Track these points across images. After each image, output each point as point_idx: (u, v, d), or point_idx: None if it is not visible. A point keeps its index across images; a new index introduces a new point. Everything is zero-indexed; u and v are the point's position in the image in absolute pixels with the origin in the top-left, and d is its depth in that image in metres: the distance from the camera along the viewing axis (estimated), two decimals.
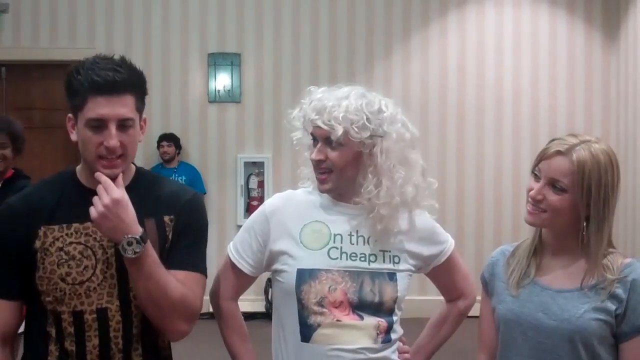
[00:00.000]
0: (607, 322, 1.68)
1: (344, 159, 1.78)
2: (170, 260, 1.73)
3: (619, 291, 1.68)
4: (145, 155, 6.47)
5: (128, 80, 1.67)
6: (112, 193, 1.63)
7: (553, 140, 1.75)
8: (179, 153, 6.59)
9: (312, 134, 1.81)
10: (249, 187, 6.72)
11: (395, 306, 1.81)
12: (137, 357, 1.73)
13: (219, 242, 6.68)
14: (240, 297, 1.94)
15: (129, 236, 1.63)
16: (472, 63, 6.76)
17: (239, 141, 6.75)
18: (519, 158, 6.67)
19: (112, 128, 1.66)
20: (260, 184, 6.69)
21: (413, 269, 1.88)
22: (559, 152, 1.69)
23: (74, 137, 1.72)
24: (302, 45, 6.73)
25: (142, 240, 1.64)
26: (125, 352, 1.72)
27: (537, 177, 1.73)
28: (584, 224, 1.71)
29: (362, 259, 1.79)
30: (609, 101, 6.71)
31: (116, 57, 1.71)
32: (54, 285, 1.69)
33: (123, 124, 1.67)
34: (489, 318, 1.86)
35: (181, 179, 6.31)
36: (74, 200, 1.74)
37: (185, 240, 1.77)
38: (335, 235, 1.81)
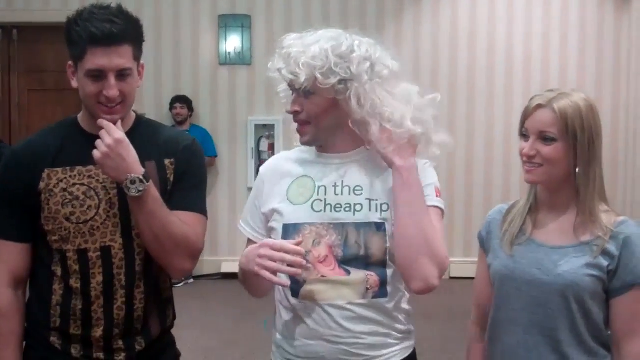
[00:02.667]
0: (599, 277, 1.72)
1: (319, 108, 1.70)
2: (173, 201, 1.79)
3: (612, 248, 1.71)
4: (157, 117, 6.49)
5: (125, 31, 1.71)
6: (114, 134, 1.69)
7: (532, 98, 1.79)
8: (191, 115, 6.63)
9: (289, 86, 1.73)
10: (260, 149, 6.76)
11: (388, 258, 1.69)
12: (139, 294, 1.79)
13: (230, 204, 6.76)
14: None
15: (132, 175, 1.69)
16: (483, 27, 6.73)
17: (249, 104, 6.77)
18: None
19: (111, 78, 1.70)
20: (271, 147, 6.72)
21: None
22: (540, 106, 1.74)
23: (74, 84, 1.77)
24: (312, 6, 6.71)
25: (144, 179, 1.70)
26: (128, 288, 1.78)
27: (525, 137, 1.77)
28: (576, 172, 1.75)
29: (347, 209, 1.71)
30: (620, 65, 6.68)
31: (113, 6, 1.75)
32: (59, 225, 1.75)
33: (122, 73, 1.71)
34: (484, 275, 1.89)
35: None
36: (76, 145, 1.79)
37: (186, 183, 1.82)
38: (319, 187, 1.74)
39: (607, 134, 1.86)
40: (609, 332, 1.77)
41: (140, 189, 1.69)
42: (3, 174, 1.81)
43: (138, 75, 1.78)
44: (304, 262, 1.62)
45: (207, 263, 6.63)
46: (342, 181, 1.74)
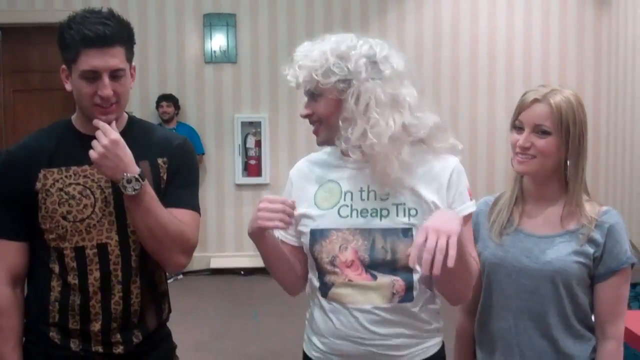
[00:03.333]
0: (586, 264, 1.82)
1: (326, 109, 1.72)
2: (167, 199, 1.85)
3: (597, 236, 1.81)
4: (143, 116, 6.50)
5: (117, 33, 1.77)
6: (109, 135, 1.74)
7: (525, 93, 1.86)
8: (177, 113, 6.66)
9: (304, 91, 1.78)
10: (247, 146, 6.81)
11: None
12: (135, 289, 1.86)
13: (218, 201, 6.81)
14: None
15: (128, 175, 1.75)
16: (465, 18, 6.80)
17: (235, 101, 6.81)
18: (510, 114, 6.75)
19: (105, 78, 1.76)
20: (258, 144, 6.78)
21: None
22: (536, 100, 1.82)
23: (68, 87, 1.82)
24: (296, 4, 6.76)
25: (140, 178, 1.75)
26: (125, 284, 1.84)
27: (519, 129, 1.84)
28: (566, 163, 1.83)
29: (374, 214, 1.72)
30: (600, 56, 6.77)
31: (104, 10, 1.81)
32: (56, 223, 1.81)
33: (115, 74, 1.77)
34: None
35: None
36: (71, 145, 1.84)
37: (180, 181, 1.89)
38: (345, 192, 1.76)
39: (589, 126, 1.93)
40: (593, 316, 1.87)
41: (137, 187, 1.75)
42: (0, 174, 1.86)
43: (130, 76, 1.84)
44: (293, 212, 1.68)
45: (196, 259, 6.67)
46: (368, 186, 1.75)
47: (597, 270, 1.83)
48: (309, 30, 6.64)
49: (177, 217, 1.83)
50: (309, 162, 1.87)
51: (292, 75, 1.72)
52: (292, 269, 1.84)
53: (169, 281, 6.23)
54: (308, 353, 1.85)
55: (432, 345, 1.79)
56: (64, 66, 1.81)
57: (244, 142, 6.80)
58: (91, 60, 1.74)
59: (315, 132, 1.77)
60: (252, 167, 6.80)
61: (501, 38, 6.80)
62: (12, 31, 6.81)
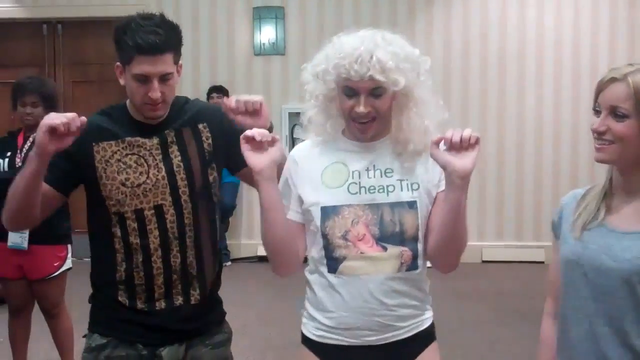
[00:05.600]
0: None
1: (387, 105, 1.83)
2: (238, 163, 1.97)
3: None
4: None
5: (167, 41, 1.97)
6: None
7: (609, 71, 1.68)
8: None
9: (346, 86, 1.81)
10: (294, 137, 6.94)
11: (420, 233, 1.85)
12: (190, 242, 2.07)
13: None
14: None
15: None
16: (513, 12, 6.80)
17: (283, 92, 6.94)
18: (559, 107, 6.75)
19: (155, 82, 1.97)
20: None
21: (433, 194, 1.90)
22: (614, 79, 1.63)
23: (122, 81, 2.04)
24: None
25: None
26: (181, 239, 2.05)
27: (597, 112, 1.67)
28: None
29: (381, 190, 1.85)
30: (633, 40, 6.71)
31: (156, 15, 2.01)
32: (116, 190, 2.02)
33: (164, 78, 1.98)
34: (557, 261, 1.81)
35: None
36: (123, 123, 2.07)
37: (237, 141, 1.97)
38: (353, 171, 1.87)
39: None
40: None
41: None
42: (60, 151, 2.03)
43: (177, 74, 2.04)
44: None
45: (245, 246, 6.88)
46: (374, 165, 1.88)
47: None
48: (356, 22, 6.72)
49: None
50: (309, 147, 1.96)
51: (375, 73, 1.75)
52: (292, 242, 1.90)
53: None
54: (308, 334, 1.94)
55: (427, 318, 1.94)
56: (118, 63, 2.02)
57: (291, 132, 6.93)
58: (143, 66, 1.95)
59: (365, 130, 1.85)
60: None
61: (549, 28, 6.77)
62: (71, 25, 7.08)
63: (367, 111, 1.81)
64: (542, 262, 6.47)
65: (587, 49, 6.75)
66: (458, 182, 1.73)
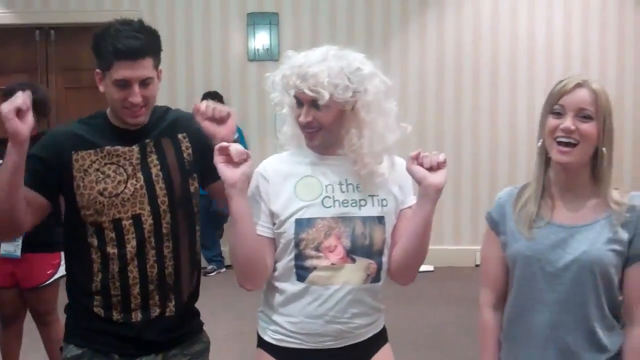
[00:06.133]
0: (621, 251, 1.80)
1: (331, 118, 1.88)
2: (210, 174, 2.01)
3: (629, 220, 1.80)
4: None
5: (147, 45, 1.97)
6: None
7: (560, 81, 1.86)
8: None
9: (295, 97, 1.90)
10: None
11: (385, 248, 1.95)
12: (168, 253, 2.06)
13: None
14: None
15: None
16: (506, 19, 6.82)
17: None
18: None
19: (135, 87, 1.97)
20: None
21: (397, 211, 2.00)
22: (579, 85, 1.81)
23: (102, 88, 2.03)
24: (338, 4, 6.86)
25: None
26: (158, 249, 2.04)
27: (559, 115, 1.82)
28: (598, 152, 1.82)
29: (353, 204, 1.92)
30: (624, 52, 6.74)
31: (135, 21, 2.01)
32: (93, 200, 2.00)
33: (144, 82, 1.98)
34: (496, 255, 1.95)
35: None
36: (104, 132, 2.06)
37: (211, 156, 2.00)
38: (326, 185, 1.93)
39: (630, 125, 1.99)
40: (620, 298, 1.85)
41: None
42: (41, 148, 2.04)
43: (157, 79, 2.03)
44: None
45: None
46: (346, 179, 1.95)
47: (628, 253, 1.81)
48: (350, 28, 6.75)
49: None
50: (277, 161, 2.01)
51: (310, 90, 1.84)
52: (261, 256, 1.92)
53: (211, 274, 6.43)
54: (267, 338, 2.01)
55: (380, 322, 2.05)
56: (98, 70, 2.01)
57: None
58: (123, 71, 1.95)
59: (311, 138, 1.92)
60: None
61: (540, 34, 6.80)
62: (64, 31, 7.06)
63: (306, 121, 1.89)
64: None
65: (578, 53, 6.79)
66: (433, 195, 1.86)
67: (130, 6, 6.79)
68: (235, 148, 1.83)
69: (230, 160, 1.84)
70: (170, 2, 6.82)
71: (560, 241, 1.84)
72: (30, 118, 1.86)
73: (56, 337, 3.75)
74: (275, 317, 1.98)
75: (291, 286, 1.94)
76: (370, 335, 2.01)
